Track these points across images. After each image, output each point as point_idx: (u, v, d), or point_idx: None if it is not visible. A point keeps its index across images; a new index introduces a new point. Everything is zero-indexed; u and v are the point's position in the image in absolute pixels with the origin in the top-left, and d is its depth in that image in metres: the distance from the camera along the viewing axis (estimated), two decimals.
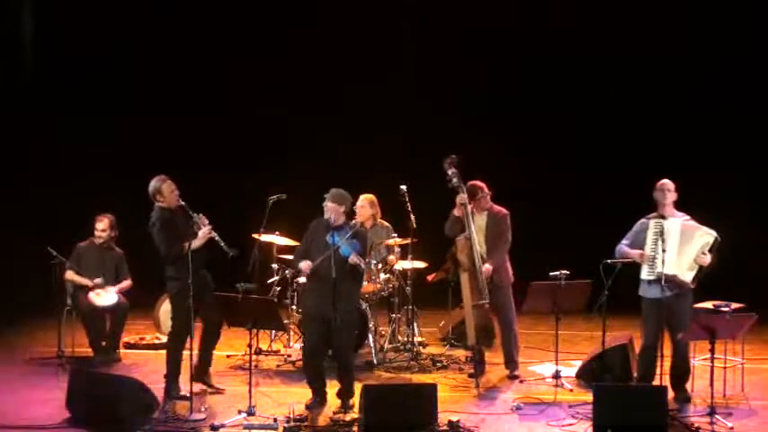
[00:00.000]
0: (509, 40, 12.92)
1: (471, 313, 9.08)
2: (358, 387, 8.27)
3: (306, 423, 7.97)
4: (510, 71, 12.99)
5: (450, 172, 9.15)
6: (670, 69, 12.80)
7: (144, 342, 10.59)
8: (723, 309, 9.02)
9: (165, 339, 10.49)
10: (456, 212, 9.21)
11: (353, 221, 8.69)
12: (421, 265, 10.30)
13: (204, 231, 8.52)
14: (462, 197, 9.15)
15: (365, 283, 9.15)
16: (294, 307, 10.26)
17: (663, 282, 8.26)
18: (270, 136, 13.16)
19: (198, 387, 8.53)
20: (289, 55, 13.21)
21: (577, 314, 9.86)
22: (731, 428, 7.92)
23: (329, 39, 13.05)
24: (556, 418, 8.20)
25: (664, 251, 8.27)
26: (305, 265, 8.29)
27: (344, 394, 8.42)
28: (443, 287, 10.13)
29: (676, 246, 8.33)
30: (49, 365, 9.68)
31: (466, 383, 9.20)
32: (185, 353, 8.49)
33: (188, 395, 8.25)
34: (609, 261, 8.38)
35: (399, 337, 10.35)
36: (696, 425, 7.92)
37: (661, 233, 8.32)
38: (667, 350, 8.57)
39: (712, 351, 8.01)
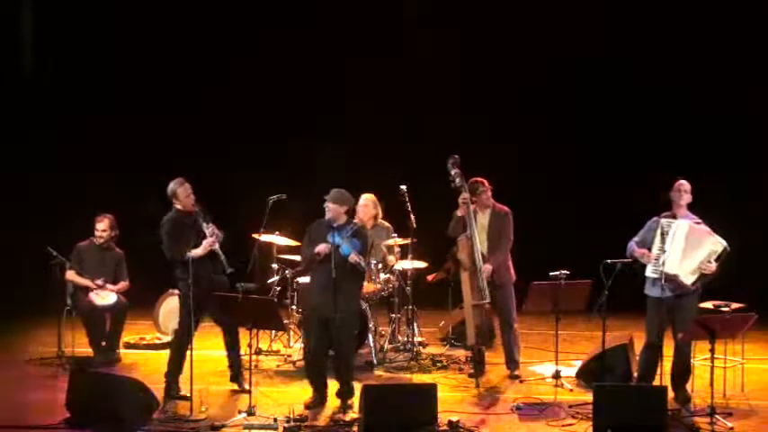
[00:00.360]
0: (509, 40, 12.91)
1: (471, 313, 9.08)
2: (358, 387, 8.27)
3: (306, 423, 7.97)
4: (510, 71, 12.98)
5: (453, 172, 9.16)
6: (670, 69, 12.79)
7: (144, 342, 10.59)
8: (723, 309, 9.03)
9: (165, 339, 10.56)
10: (459, 212, 9.21)
11: (354, 221, 8.69)
12: (421, 265, 10.30)
13: (205, 243, 8.58)
14: (465, 197, 9.15)
15: (365, 283, 9.15)
16: (294, 307, 10.27)
17: (663, 281, 8.27)
18: (270, 135, 13.15)
19: (198, 387, 8.53)
20: (289, 55, 13.20)
21: (577, 314, 9.86)
22: (731, 428, 7.92)
23: (328, 37, 13.03)
24: (556, 418, 8.20)
25: (663, 251, 8.27)
26: (322, 246, 8.24)
27: (344, 394, 8.43)
28: (443, 287, 10.14)
29: (681, 246, 8.32)
30: (49, 365, 9.68)
31: (466, 383, 9.20)
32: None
33: (188, 395, 8.26)
34: (609, 261, 8.38)
35: (399, 337, 10.35)
36: (696, 425, 7.93)
37: (669, 232, 8.32)
38: (668, 350, 8.57)
39: (712, 351, 8.01)
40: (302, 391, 8.67)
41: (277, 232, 10.41)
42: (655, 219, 8.55)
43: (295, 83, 13.14)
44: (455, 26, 13.09)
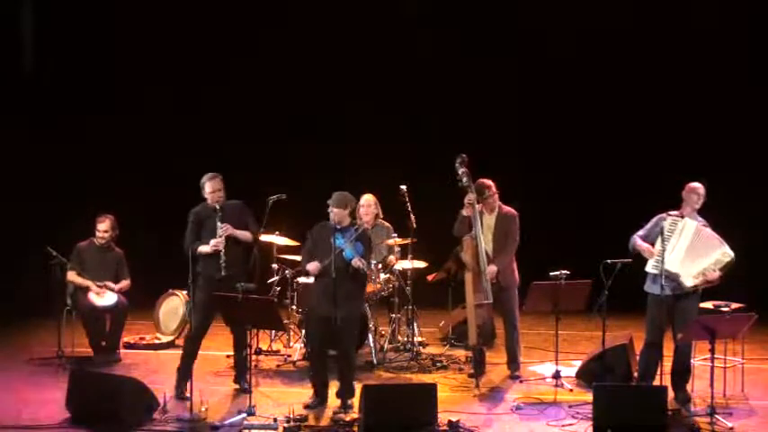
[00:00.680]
0: (510, 40, 12.91)
1: (474, 313, 9.08)
2: (358, 387, 8.28)
3: (306, 423, 7.97)
4: (510, 71, 12.98)
5: (460, 171, 9.15)
6: (669, 68, 12.80)
7: (144, 342, 10.59)
8: (723, 309, 9.03)
9: (164, 339, 10.58)
10: (465, 212, 9.20)
11: (358, 223, 8.68)
12: (421, 265, 10.30)
13: (212, 243, 8.62)
14: (471, 197, 9.15)
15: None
16: (294, 307, 10.26)
17: (663, 277, 8.24)
18: (270, 136, 13.15)
19: (199, 387, 8.53)
20: (289, 55, 13.20)
21: (577, 314, 9.85)
22: (731, 428, 7.93)
23: (328, 37, 13.03)
24: (556, 418, 8.20)
25: (663, 250, 8.26)
26: (313, 266, 8.34)
27: (344, 394, 8.43)
28: (443, 287, 10.13)
29: (686, 245, 8.31)
30: (49, 365, 9.68)
31: (466, 383, 9.20)
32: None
33: (188, 395, 8.26)
34: (609, 261, 8.38)
35: (399, 337, 10.35)
36: (696, 425, 7.93)
37: (676, 230, 8.31)
38: (668, 350, 8.57)
39: (712, 351, 8.00)
40: (302, 391, 8.67)
41: (277, 232, 10.41)
42: (661, 215, 8.53)
43: (295, 83, 13.14)
44: (455, 26, 13.09)
